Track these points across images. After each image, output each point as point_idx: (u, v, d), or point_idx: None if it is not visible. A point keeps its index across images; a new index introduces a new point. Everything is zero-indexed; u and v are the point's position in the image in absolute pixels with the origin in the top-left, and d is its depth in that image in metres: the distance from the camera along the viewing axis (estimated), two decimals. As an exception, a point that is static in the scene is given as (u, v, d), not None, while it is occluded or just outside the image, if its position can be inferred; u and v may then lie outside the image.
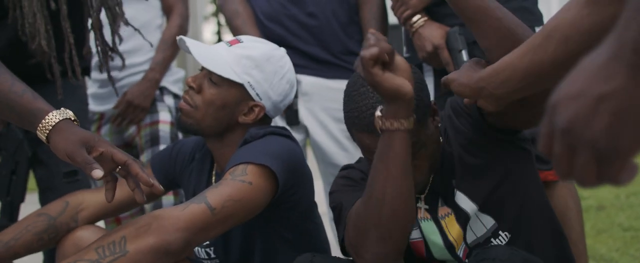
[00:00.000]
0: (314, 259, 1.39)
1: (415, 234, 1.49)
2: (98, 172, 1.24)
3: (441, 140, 1.44)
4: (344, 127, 2.28)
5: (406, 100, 1.23)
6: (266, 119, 1.67)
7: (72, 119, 1.32)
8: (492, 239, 1.45)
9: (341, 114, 2.14)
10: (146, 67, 2.48)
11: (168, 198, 2.41)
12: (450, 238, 1.47)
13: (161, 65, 2.44)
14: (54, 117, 1.29)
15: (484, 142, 1.43)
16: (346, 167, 1.58)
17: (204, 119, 1.61)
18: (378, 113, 1.28)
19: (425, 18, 1.96)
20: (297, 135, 2.24)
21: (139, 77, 2.47)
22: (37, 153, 1.92)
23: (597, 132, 0.60)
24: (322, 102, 2.28)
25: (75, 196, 1.70)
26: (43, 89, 1.52)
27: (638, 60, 0.58)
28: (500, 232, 1.45)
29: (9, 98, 1.29)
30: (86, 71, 2.05)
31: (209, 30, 23.70)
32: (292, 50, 1.73)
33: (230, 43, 1.64)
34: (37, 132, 1.29)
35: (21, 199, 2.10)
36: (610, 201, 4.05)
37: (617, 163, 0.61)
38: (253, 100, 1.61)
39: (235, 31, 2.29)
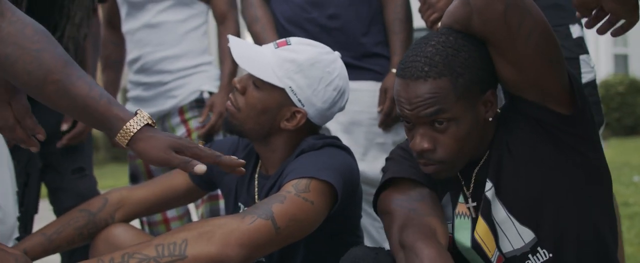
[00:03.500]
0: (378, 256, 1.37)
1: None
2: (201, 167, 1.28)
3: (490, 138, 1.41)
4: (365, 129, 2.30)
5: None
6: (313, 125, 1.64)
7: (150, 122, 1.31)
8: (530, 255, 1.39)
9: (363, 116, 2.12)
10: (193, 71, 2.50)
11: (224, 202, 2.41)
12: (477, 238, 1.42)
13: (232, 76, 2.45)
14: (132, 126, 1.28)
15: (532, 140, 1.37)
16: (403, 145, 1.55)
17: (247, 121, 1.60)
18: None
19: None
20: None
21: (185, 81, 2.49)
22: (46, 159, 1.93)
23: None
24: None
25: (114, 193, 1.74)
26: None
27: None
28: (539, 249, 1.38)
29: (87, 103, 1.28)
30: None
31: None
32: None
33: (278, 44, 1.60)
34: (117, 139, 1.29)
35: (35, 210, 2.14)
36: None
37: None
38: (295, 106, 1.58)
39: (255, 37, 2.29)
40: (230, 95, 1.63)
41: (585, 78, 1.85)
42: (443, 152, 1.35)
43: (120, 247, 1.60)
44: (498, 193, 1.39)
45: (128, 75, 2.63)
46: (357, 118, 2.24)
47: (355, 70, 2.24)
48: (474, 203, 1.43)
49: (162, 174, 1.83)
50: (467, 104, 1.34)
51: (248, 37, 2.51)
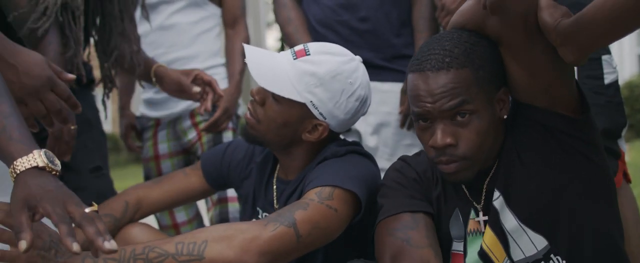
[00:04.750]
0: None
1: (457, 246, 1.43)
2: (22, 244, 1.08)
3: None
4: (393, 130, 2.30)
5: None
6: (333, 133, 1.61)
7: (41, 165, 1.18)
8: (543, 262, 1.35)
9: (392, 118, 2.10)
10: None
11: (233, 205, 2.42)
12: (485, 247, 1.39)
13: (242, 74, 2.48)
14: (19, 165, 1.18)
15: (541, 147, 1.35)
16: (404, 159, 1.52)
17: (267, 133, 1.57)
18: None
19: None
20: (350, 140, 2.23)
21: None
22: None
23: None
24: (374, 106, 2.26)
25: (132, 195, 1.74)
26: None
27: None
28: (552, 256, 1.34)
29: None
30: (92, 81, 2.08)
31: (272, 36, 23.93)
32: None
33: (297, 54, 1.53)
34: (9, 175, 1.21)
35: None
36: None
37: None
38: (317, 118, 1.54)
39: (288, 38, 2.30)
40: (249, 105, 1.59)
41: (608, 79, 1.82)
42: (465, 147, 1.31)
43: None
44: (508, 202, 1.36)
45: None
46: (387, 119, 2.26)
47: (386, 72, 2.25)
48: (485, 217, 1.40)
49: (173, 173, 1.84)
50: (486, 98, 1.32)
51: (267, 38, 2.51)
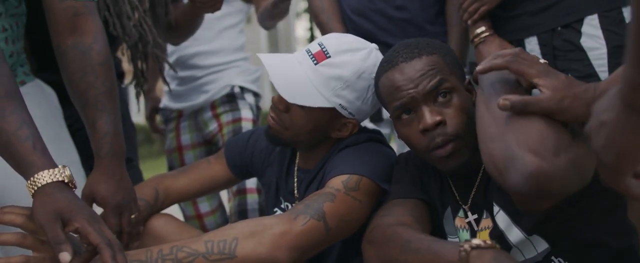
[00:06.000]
0: None
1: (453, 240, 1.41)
2: (65, 256, 1.11)
3: None
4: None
5: None
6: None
7: (66, 180, 1.20)
8: None
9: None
10: (225, 66, 2.52)
11: (252, 196, 2.43)
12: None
13: None
14: (43, 177, 1.18)
15: None
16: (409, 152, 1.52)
17: (297, 137, 1.55)
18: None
19: (488, 33, 1.87)
20: (383, 130, 2.22)
21: (217, 76, 2.51)
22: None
23: (598, 147, 0.80)
24: None
25: (159, 183, 1.75)
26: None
27: (634, 98, 0.74)
28: (553, 258, 1.30)
29: (10, 140, 1.21)
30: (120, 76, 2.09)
31: (301, 26, 23.93)
32: (381, 45, 1.69)
33: (317, 59, 1.48)
34: (26, 187, 1.20)
35: None
36: None
37: (614, 174, 0.80)
38: (345, 117, 1.53)
39: (321, 27, 2.30)
40: (272, 113, 1.56)
41: None
42: (453, 125, 1.31)
43: (162, 238, 1.61)
44: (515, 220, 1.31)
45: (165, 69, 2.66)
46: None
47: None
48: (475, 216, 1.38)
49: (197, 162, 1.84)
50: (459, 80, 1.36)
51: (297, 28, 2.52)
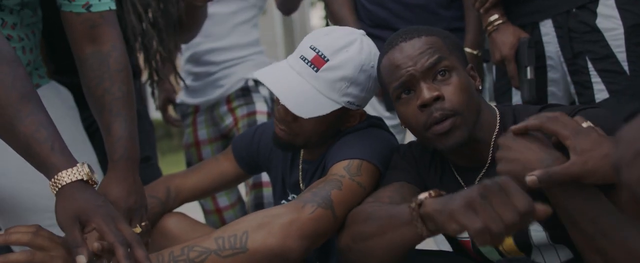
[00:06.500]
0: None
1: (464, 234, 1.39)
2: (82, 259, 1.14)
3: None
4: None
5: None
6: None
7: (85, 178, 1.22)
8: None
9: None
10: (239, 60, 2.52)
11: (268, 190, 2.42)
12: (502, 251, 1.35)
13: None
14: (63, 178, 1.20)
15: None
16: (409, 144, 1.52)
17: (309, 140, 1.55)
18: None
19: (501, 21, 1.86)
20: (396, 120, 2.23)
21: (232, 70, 2.52)
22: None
23: (632, 179, 0.70)
24: None
25: (171, 181, 1.76)
26: None
27: None
28: None
29: (29, 143, 1.22)
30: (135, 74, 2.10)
31: (316, 15, 23.88)
32: None
33: (316, 65, 1.47)
34: (49, 187, 1.23)
35: None
36: None
37: None
38: (353, 109, 1.54)
39: (333, 16, 2.29)
40: (280, 125, 1.55)
41: None
42: (452, 101, 1.31)
43: (175, 238, 1.63)
44: (542, 221, 1.28)
45: (181, 64, 2.66)
46: None
47: None
48: None
49: (206, 160, 1.85)
50: (459, 61, 1.37)
51: (312, 17, 2.51)
